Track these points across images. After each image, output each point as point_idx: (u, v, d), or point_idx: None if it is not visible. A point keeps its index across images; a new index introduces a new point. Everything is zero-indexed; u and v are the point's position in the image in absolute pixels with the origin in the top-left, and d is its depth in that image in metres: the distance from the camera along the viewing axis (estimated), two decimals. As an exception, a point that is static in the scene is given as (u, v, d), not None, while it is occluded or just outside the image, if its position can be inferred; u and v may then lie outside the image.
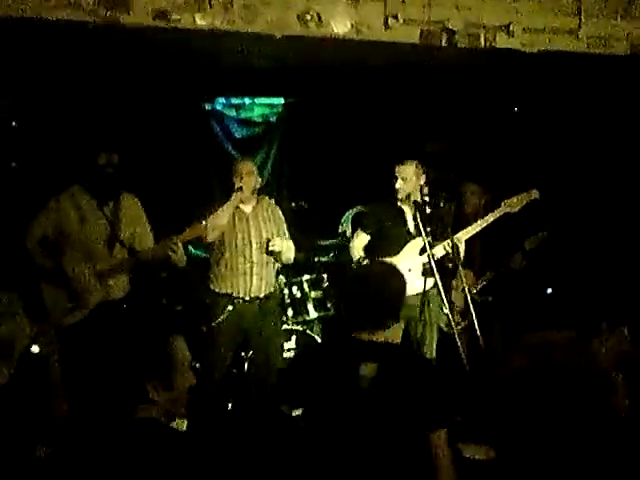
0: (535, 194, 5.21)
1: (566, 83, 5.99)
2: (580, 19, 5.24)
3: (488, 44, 5.00)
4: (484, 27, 5.01)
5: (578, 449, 2.94)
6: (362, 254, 5.24)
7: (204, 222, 4.74)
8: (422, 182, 5.12)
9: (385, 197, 5.26)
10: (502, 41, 5.05)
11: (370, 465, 2.82)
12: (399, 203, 5.19)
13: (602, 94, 6.06)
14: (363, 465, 2.82)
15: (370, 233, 5.28)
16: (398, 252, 5.10)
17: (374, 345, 2.96)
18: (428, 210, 4.95)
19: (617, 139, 6.37)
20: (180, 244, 4.71)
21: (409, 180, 5.10)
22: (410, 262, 5.00)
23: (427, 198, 5.01)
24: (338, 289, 6.17)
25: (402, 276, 3.18)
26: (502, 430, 2.95)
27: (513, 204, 5.16)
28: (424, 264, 4.92)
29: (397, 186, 5.12)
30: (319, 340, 6.07)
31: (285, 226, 5.27)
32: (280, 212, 5.31)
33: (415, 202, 5.04)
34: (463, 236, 5.08)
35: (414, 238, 5.08)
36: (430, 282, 4.89)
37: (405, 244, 5.12)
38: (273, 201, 5.35)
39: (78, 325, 4.60)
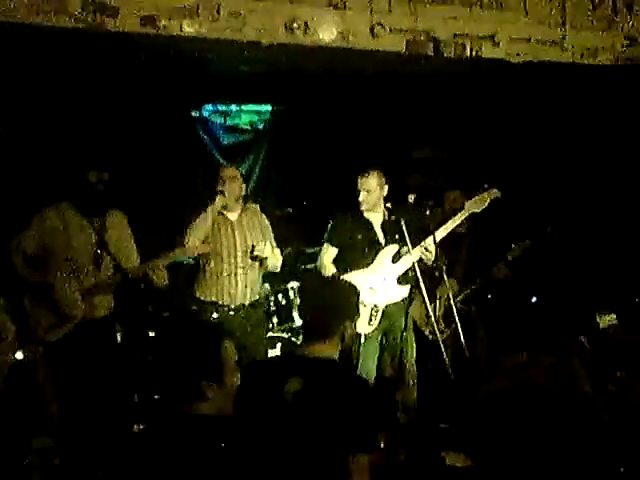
0: (496, 193, 5.19)
1: (551, 93, 6.04)
2: (565, 30, 5.30)
3: (474, 54, 5.04)
4: (470, 37, 5.04)
5: (558, 463, 2.96)
6: (333, 269, 5.14)
7: (188, 244, 4.75)
8: (385, 192, 5.10)
9: (349, 208, 5.22)
10: (488, 51, 5.09)
11: None
12: (365, 214, 5.14)
13: (587, 104, 6.10)
14: None
15: (338, 246, 5.20)
16: (371, 262, 5.08)
17: (306, 360, 2.91)
18: (393, 218, 4.92)
19: (602, 148, 6.42)
20: (163, 266, 4.70)
21: (373, 191, 5.07)
22: (384, 271, 4.99)
23: (390, 205, 4.98)
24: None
25: (350, 292, 3.15)
26: (482, 442, 2.92)
27: (475, 203, 5.14)
28: (400, 273, 4.94)
29: (361, 199, 5.08)
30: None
31: (271, 234, 5.25)
32: (266, 219, 5.29)
33: (383, 212, 5.03)
34: (431, 240, 5.03)
35: (384, 247, 5.04)
36: (405, 290, 4.92)
37: (376, 254, 5.08)
38: (259, 208, 5.34)
39: (62, 341, 4.57)
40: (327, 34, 4.79)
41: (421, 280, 4.65)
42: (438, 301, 5.43)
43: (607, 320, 5.75)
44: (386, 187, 5.10)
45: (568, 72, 5.44)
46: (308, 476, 2.68)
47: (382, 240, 5.06)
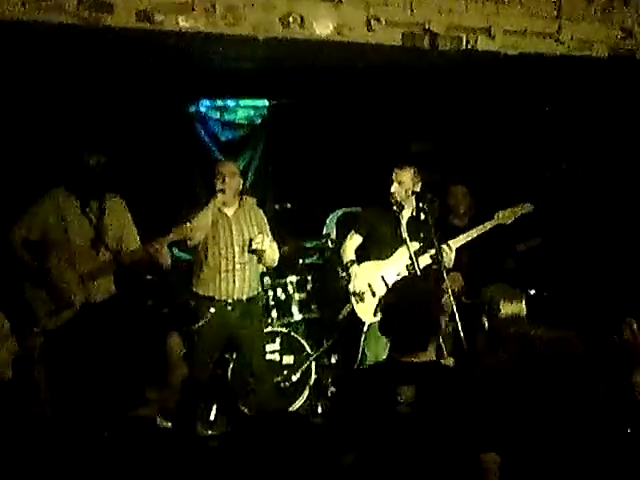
0: (528, 207, 5.23)
1: (547, 85, 6.04)
2: (560, 22, 5.29)
3: (469, 46, 5.04)
4: (465, 29, 5.04)
5: (560, 443, 2.97)
6: (353, 257, 5.25)
7: (188, 224, 4.74)
8: (417, 189, 5.14)
9: (375, 201, 5.28)
10: (483, 43, 5.08)
11: None
12: (395, 207, 5.17)
13: (582, 96, 6.11)
14: None
15: (362, 235, 5.29)
16: (388, 256, 5.12)
17: (413, 367, 2.90)
18: (422, 217, 4.97)
19: (598, 140, 6.43)
20: (165, 246, 4.72)
21: (404, 185, 5.12)
22: (399, 267, 5.04)
23: (421, 205, 5.02)
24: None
25: (440, 295, 3.15)
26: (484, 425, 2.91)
27: (506, 216, 5.19)
28: (408, 265, 4.96)
29: (392, 190, 5.13)
30: (304, 342, 6.08)
31: (268, 228, 5.27)
32: (262, 213, 5.31)
33: (415, 206, 5.07)
34: (454, 244, 5.08)
35: (407, 243, 5.07)
36: None
37: (396, 249, 5.12)
38: (255, 202, 5.35)
39: (62, 327, 4.60)
40: (323, 28, 4.79)
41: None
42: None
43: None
44: (419, 184, 5.14)
45: (564, 64, 5.44)
46: None
47: (406, 236, 5.08)
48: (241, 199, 5.20)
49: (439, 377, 2.93)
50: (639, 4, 5.51)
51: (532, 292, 6.52)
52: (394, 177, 5.16)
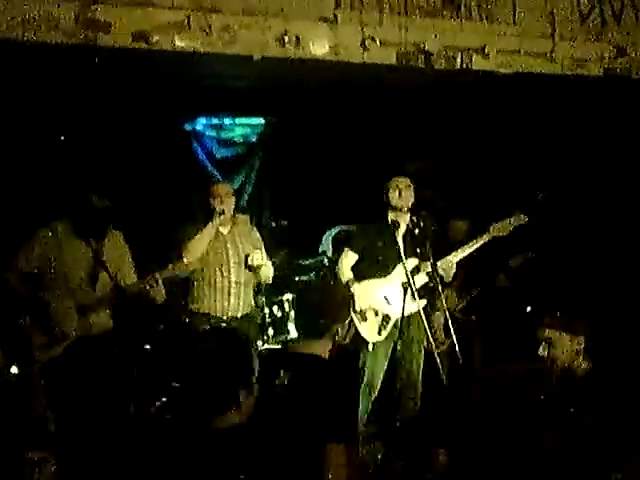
0: (523, 218, 5.21)
1: (541, 104, 6.07)
2: (554, 41, 5.33)
3: (464, 65, 5.07)
4: (460, 49, 5.08)
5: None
6: (350, 275, 5.13)
7: (185, 260, 4.76)
8: (411, 205, 5.11)
9: (374, 218, 5.24)
10: (478, 63, 5.12)
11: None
12: (390, 223, 5.13)
13: (576, 115, 6.14)
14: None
15: (358, 253, 5.20)
16: (388, 273, 5.08)
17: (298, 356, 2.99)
18: (417, 231, 4.95)
19: (592, 158, 6.46)
20: (159, 281, 4.71)
21: (404, 197, 5.05)
22: (398, 284, 4.98)
23: (415, 219, 5.01)
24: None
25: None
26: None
27: (501, 228, 5.15)
28: (421, 285, 4.94)
29: (394, 200, 5.07)
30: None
31: (263, 245, 5.27)
32: (256, 231, 5.32)
33: (407, 225, 5.04)
34: (453, 259, 5.04)
35: (404, 259, 5.03)
36: (415, 305, 4.90)
37: (395, 266, 5.07)
38: (248, 219, 5.37)
39: (57, 359, 4.59)
40: (319, 48, 4.83)
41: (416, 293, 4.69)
42: (438, 311, 5.42)
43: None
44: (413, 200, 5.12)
45: (558, 83, 5.48)
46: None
47: (402, 251, 5.04)
48: (235, 216, 5.21)
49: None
50: (632, 23, 5.55)
51: (529, 309, 6.55)
52: (394, 187, 5.10)
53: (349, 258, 5.21)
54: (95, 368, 4.60)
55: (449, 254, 5.01)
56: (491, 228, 5.11)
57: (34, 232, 4.67)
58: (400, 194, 5.04)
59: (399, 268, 5.00)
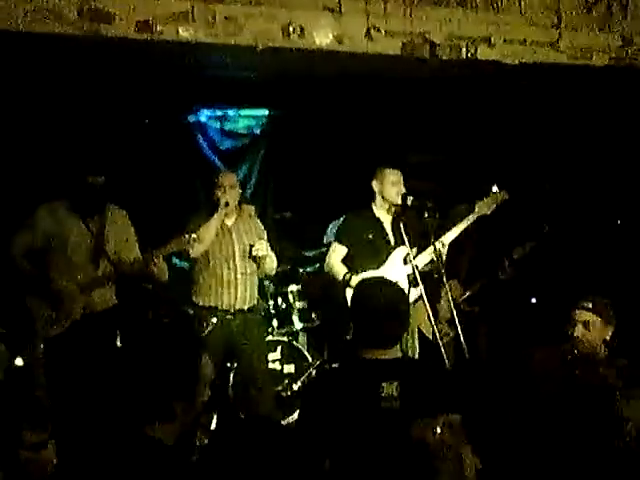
0: (504, 194, 5.25)
1: (547, 94, 6.05)
2: (560, 31, 5.30)
3: (469, 55, 5.05)
4: (465, 39, 5.05)
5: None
6: (344, 269, 5.10)
7: (186, 235, 4.73)
8: (400, 185, 5.10)
9: (359, 207, 5.23)
10: (483, 53, 5.10)
11: None
12: (376, 212, 5.14)
13: (582, 105, 6.12)
14: None
15: (348, 245, 5.18)
16: (382, 263, 5.06)
17: (388, 363, 2.91)
18: (407, 218, 4.94)
19: (598, 149, 6.44)
20: (161, 259, 4.71)
21: (397, 186, 5.06)
22: (395, 273, 4.97)
23: (408, 203, 4.98)
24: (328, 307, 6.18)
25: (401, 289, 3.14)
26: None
27: (485, 205, 5.18)
28: (409, 274, 4.91)
29: (376, 189, 5.10)
30: (305, 351, 6.06)
31: (266, 235, 5.27)
32: (259, 222, 5.31)
33: (397, 209, 5.02)
34: (446, 240, 5.04)
35: (394, 248, 5.04)
36: (416, 292, 4.87)
37: (388, 255, 5.07)
38: (252, 210, 5.35)
39: (61, 336, 4.62)
40: (323, 38, 4.80)
41: (421, 283, 4.66)
42: (442, 301, 5.41)
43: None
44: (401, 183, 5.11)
45: (563, 73, 5.45)
46: None
47: (392, 240, 5.04)
48: (239, 208, 5.20)
49: (420, 372, 2.96)
50: (639, 12, 5.52)
51: (533, 300, 6.55)
52: (380, 175, 5.09)
53: (337, 252, 5.17)
54: (99, 344, 4.65)
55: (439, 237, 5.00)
56: (476, 206, 5.13)
57: (34, 211, 4.69)
58: (393, 185, 5.05)
59: (391, 258, 5.00)
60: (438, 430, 2.34)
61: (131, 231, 4.96)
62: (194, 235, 4.71)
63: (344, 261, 5.16)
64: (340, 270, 5.12)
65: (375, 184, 5.14)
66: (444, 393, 2.85)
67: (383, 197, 5.11)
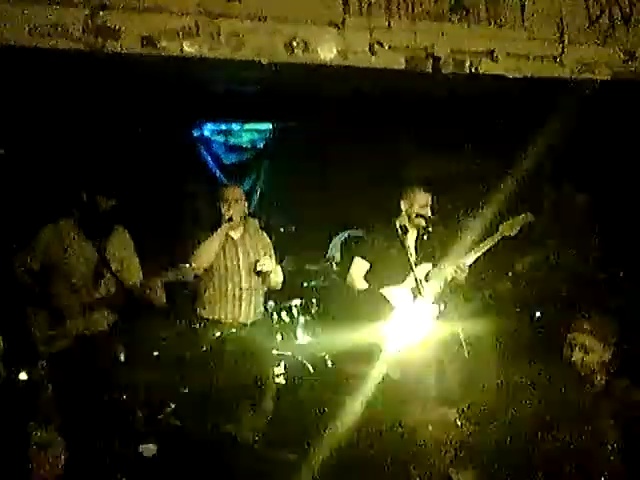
0: (530, 217, 5.23)
1: (549, 108, 6.05)
2: (563, 45, 5.32)
3: (472, 70, 5.06)
4: (468, 53, 5.07)
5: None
6: (365, 284, 5.09)
7: (187, 265, 4.74)
8: (423, 211, 5.09)
9: (382, 223, 5.22)
10: (486, 67, 5.11)
11: None
12: (399, 229, 5.12)
13: (585, 119, 6.12)
14: None
15: (370, 260, 5.14)
16: (404, 279, 5.04)
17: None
18: (426, 237, 4.96)
19: (601, 162, 6.44)
20: (160, 285, 4.70)
21: (416, 206, 5.06)
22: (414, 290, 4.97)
23: (427, 226, 5.00)
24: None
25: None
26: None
27: (510, 227, 5.17)
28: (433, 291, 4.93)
29: (404, 207, 5.10)
30: (309, 365, 6.04)
31: (273, 250, 5.25)
32: (266, 236, 5.30)
33: (418, 230, 5.04)
34: (466, 262, 5.04)
35: (417, 264, 5.00)
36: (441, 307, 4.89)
37: (408, 273, 5.03)
38: (257, 224, 5.33)
39: (59, 354, 4.62)
40: (327, 53, 4.82)
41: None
42: None
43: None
44: (428, 202, 5.13)
45: (566, 87, 5.46)
46: None
47: (414, 257, 5.02)
48: (245, 221, 5.18)
49: None
50: (641, 27, 5.54)
51: (538, 314, 6.52)
52: (411, 195, 5.10)
53: (360, 267, 5.15)
54: (96, 367, 4.65)
55: (462, 256, 5.01)
56: (500, 227, 5.13)
57: (39, 231, 4.71)
58: (412, 205, 5.06)
59: (413, 274, 4.98)
60: None
61: (133, 251, 4.95)
62: (189, 265, 4.71)
63: (366, 276, 5.15)
64: (360, 286, 5.12)
65: (403, 204, 5.12)
66: None
67: (409, 217, 5.09)
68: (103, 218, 4.71)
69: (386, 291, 4.99)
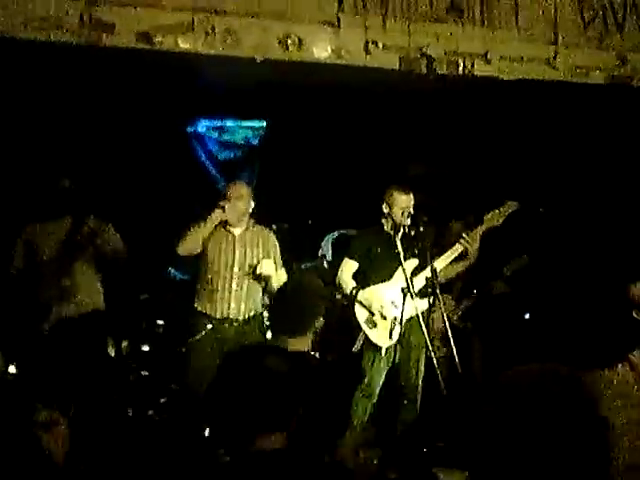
0: (514, 205, 5.19)
1: (542, 111, 6.08)
2: (556, 48, 5.35)
3: (466, 71, 5.09)
4: (462, 54, 5.10)
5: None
6: (354, 284, 5.10)
7: (177, 250, 4.85)
8: (412, 210, 5.10)
9: (371, 222, 5.24)
10: (480, 68, 5.14)
11: None
12: (387, 228, 5.13)
13: (578, 122, 6.15)
14: None
15: (358, 260, 5.16)
16: (391, 276, 5.07)
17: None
18: (412, 233, 4.97)
19: (593, 166, 6.46)
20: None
21: (402, 206, 5.07)
22: (401, 287, 4.98)
23: (416, 225, 5.01)
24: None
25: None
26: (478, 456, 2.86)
27: (494, 217, 5.15)
28: (420, 286, 4.94)
29: (387, 211, 5.10)
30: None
31: (279, 255, 5.19)
32: (274, 238, 5.21)
33: (403, 227, 5.04)
34: (452, 254, 5.05)
35: (404, 261, 5.01)
36: (427, 302, 4.90)
37: (396, 268, 5.06)
38: (267, 229, 5.26)
39: (43, 337, 4.69)
40: (321, 51, 4.84)
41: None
42: (436, 318, 5.40)
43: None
44: (411, 202, 5.14)
45: (559, 90, 5.48)
46: None
47: (402, 254, 5.03)
48: (252, 222, 5.14)
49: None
50: (634, 31, 5.57)
51: (527, 316, 6.55)
52: (391, 198, 5.11)
53: (349, 267, 5.17)
54: (88, 349, 4.74)
55: (447, 252, 5.03)
56: (485, 218, 5.12)
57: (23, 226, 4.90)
58: (397, 205, 5.06)
59: (399, 271, 5.00)
60: None
61: (111, 236, 5.03)
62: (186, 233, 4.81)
63: (355, 276, 5.17)
64: (349, 285, 5.14)
65: (384, 206, 5.12)
66: None
67: (393, 219, 5.09)
68: (61, 199, 4.80)
69: (375, 289, 5.01)
